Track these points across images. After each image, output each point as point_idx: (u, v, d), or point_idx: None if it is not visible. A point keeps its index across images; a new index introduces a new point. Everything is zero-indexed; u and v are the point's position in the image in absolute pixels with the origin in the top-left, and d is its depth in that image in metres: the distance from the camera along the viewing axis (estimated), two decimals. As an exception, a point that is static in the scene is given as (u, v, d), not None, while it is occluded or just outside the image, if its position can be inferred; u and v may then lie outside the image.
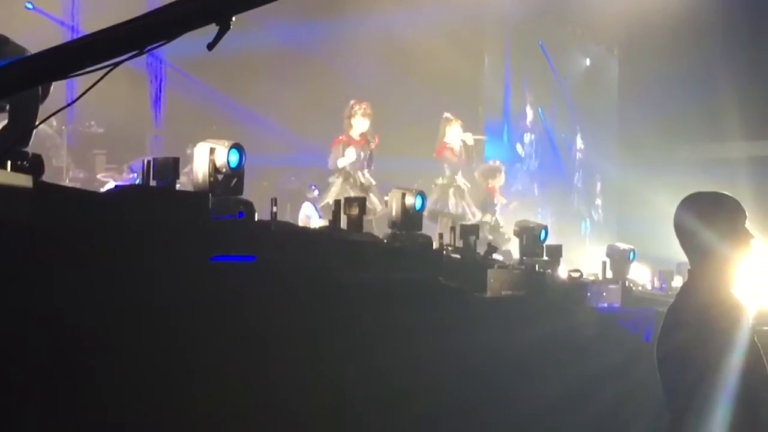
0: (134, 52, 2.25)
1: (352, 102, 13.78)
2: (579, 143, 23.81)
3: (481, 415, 7.56)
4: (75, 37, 14.03)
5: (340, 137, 13.65)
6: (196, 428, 5.32)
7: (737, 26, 21.53)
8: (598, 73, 24.37)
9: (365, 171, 13.73)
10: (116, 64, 2.27)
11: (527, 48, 21.70)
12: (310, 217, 14.01)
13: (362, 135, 13.67)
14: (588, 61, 23.79)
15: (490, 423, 7.59)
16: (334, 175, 13.74)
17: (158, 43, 2.24)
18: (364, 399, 6.47)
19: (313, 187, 15.53)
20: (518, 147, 21.45)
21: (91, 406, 4.75)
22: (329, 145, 14.16)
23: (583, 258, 17.36)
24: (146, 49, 2.25)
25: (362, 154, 13.67)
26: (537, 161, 22.07)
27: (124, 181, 12.73)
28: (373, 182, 13.76)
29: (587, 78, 23.88)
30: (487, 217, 15.88)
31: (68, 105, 2.40)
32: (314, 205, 14.43)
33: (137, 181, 11.05)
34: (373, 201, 13.31)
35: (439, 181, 15.29)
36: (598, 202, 24.65)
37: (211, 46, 2.23)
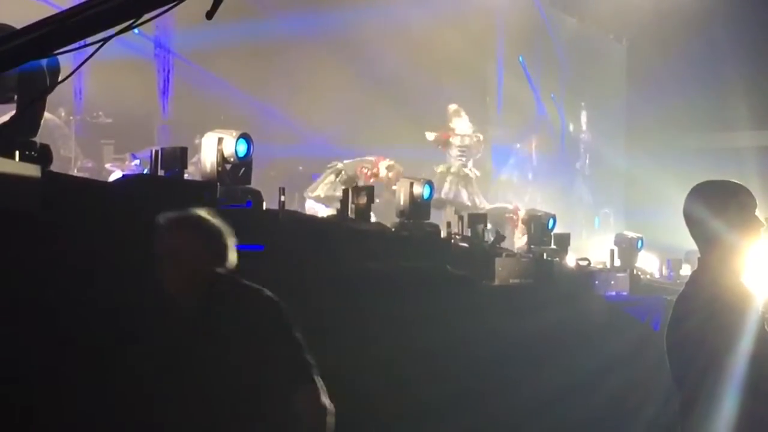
0: (130, 22, 2.18)
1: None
2: (583, 122, 23.58)
3: (489, 402, 7.57)
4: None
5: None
6: (204, 416, 5.33)
7: (746, 16, 21.48)
8: (601, 54, 24.24)
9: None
10: (111, 37, 2.20)
11: (533, 39, 21.65)
12: (318, 211, 14.07)
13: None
14: (575, 20, 23.29)
15: (498, 410, 7.60)
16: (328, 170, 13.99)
17: (155, 12, 2.16)
18: (371, 386, 6.47)
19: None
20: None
21: (98, 392, 4.76)
22: (337, 134, 14.25)
23: (591, 246, 17.37)
24: (142, 20, 2.18)
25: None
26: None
27: (128, 169, 12.75)
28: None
29: (586, 44, 23.48)
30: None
31: (67, 77, 2.28)
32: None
33: (144, 171, 11.07)
34: None
35: (438, 168, 15.36)
36: (607, 200, 24.51)
37: (209, 15, 2.16)
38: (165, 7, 2.15)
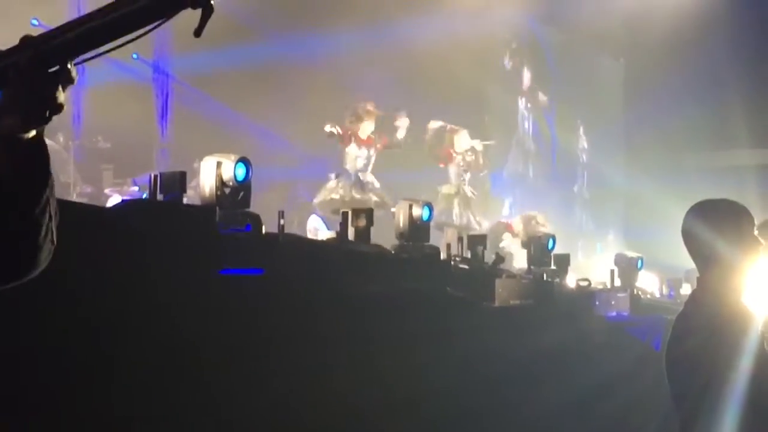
0: (113, 44, 2.17)
1: (356, 106, 13.94)
2: (580, 141, 23.59)
3: (489, 422, 7.56)
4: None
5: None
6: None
7: (744, 34, 21.52)
8: (598, 72, 24.27)
9: (367, 172, 13.86)
10: (96, 56, 2.20)
11: (527, 55, 21.70)
12: (318, 229, 14.03)
13: (368, 136, 13.84)
14: (571, 38, 23.20)
15: (498, 430, 7.60)
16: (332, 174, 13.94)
17: (139, 32, 2.15)
18: (372, 409, 6.47)
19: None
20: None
21: (100, 420, 4.75)
22: (336, 157, 14.24)
23: (591, 266, 17.36)
24: (124, 39, 2.17)
25: (367, 153, 13.85)
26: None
27: (128, 195, 12.76)
28: (376, 182, 13.87)
29: (582, 62, 23.48)
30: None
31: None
32: (322, 218, 14.45)
33: (144, 195, 11.08)
34: (371, 200, 13.39)
35: (445, 190, 15.30)
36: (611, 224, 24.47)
37: (197, 33, 2.15)
38: (150, 27, 2.14)
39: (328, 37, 16.84)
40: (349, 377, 6.38)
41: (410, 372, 6.81)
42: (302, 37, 16.71)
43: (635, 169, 23.59)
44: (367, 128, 13.82)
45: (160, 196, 6.81)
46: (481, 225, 15.39)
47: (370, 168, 13.89)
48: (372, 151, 13.90)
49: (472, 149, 15.55)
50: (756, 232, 4.26)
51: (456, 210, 15.15)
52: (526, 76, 21.68)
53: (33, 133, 2.21)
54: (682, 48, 21.35)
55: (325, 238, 10.16)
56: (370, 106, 13.91)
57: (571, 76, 22.72)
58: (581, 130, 23.49)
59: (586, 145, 23.68)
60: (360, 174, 13.76)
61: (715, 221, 4.21)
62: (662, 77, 22.55)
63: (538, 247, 11.63)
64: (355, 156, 13.76)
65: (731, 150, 22.60)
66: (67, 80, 2.19)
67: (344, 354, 6.44)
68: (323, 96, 16.15)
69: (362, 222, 8.93)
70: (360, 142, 13.77)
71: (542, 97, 22.28)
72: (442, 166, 15.54)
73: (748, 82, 21.38)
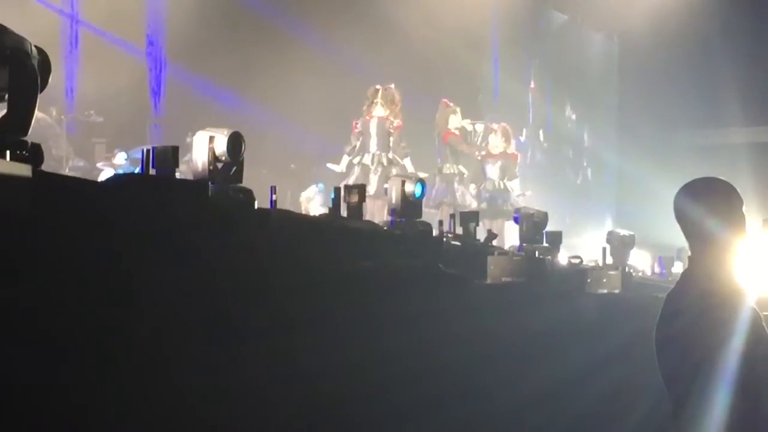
0: None
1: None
2: (574, 118, 23.60)
3: (481, 399, 7.58)
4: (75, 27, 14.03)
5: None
6: (199, 416, 5.34)
7: (737, 12, 21.51)
8: (593, 51, 24.29)
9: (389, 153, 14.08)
10: None
11: (524, 35, 21.68)
12: (311, 199, 14.09)
13: (380, 118, 14.07)
14: (567, 17, 23.24)
15: (489, 408, 7.61)
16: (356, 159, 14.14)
17: None
18: (364, 386, 6.48)
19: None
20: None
21: (89, 393, 4.76)
22: (329, 132, 14.31)
23: (581, 241, 17.39)
24: None
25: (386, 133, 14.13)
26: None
27: (118, 167, 12.78)
28: (399, 159, 14.10)
29: (577, 41, 23.51)
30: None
31: None
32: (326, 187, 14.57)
33: (134, 168, 11.06)
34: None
35: (446, 170, 15.32)
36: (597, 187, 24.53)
37: None
38: None
39: (323, 15, 16.81)
40: (340, 353, 6.38)
41: (402, 349, 6.82)
42: (297, 13, 16.68)
43: (628, 146, 23.64)
44: (378, 109, 14.10)
45: (152, 171, 6.80)
46: (473, 203, 15.41)
47: (392, 146, 14.11)
48: (390, 130, 14.13)
49: (462, 129, 15.63)
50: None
51: (458, 189, 15.20)
52: (519, 55, 21.67)
53: None
54: (675, 26, 21.34)
55: (317, 213, 10.15)
56: (378, 88, 14.24)
57: (564, 53, 22.73)
58: (574, 108, 23.50)
59: (579, 122, 23.70)
60: (383, 155, 13.96)
61: (705, 200, 4.21)
62: (655, 55, 22.56)
63: (531, 224, 11.62)
64: (377, 138, 13.99)
65: (723, 128, 22.63)
66: None
67: (336, 330, 6.45)
68: (317, 71, 16.15)
69: (355, 198, 8.92)
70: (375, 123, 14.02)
71: (535, 75, 22.30)
72: (444, 142, 15.60)
73: (740, 60, 21.39)
